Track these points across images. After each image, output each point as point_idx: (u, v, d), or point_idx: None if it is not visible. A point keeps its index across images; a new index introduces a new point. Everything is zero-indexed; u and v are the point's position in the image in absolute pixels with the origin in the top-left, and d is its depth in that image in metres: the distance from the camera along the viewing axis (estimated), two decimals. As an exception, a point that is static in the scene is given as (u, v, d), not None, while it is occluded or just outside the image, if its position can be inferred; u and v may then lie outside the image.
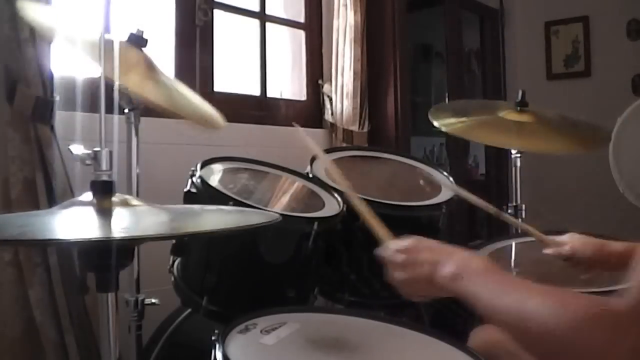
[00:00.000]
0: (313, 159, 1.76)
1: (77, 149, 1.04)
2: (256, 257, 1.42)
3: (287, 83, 2.73)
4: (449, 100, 3.60)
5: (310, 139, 1.28)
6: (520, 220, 2.06)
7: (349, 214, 1.52)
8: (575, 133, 2.00)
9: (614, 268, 1.28)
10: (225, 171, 1.57)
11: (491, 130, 1.96)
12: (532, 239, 1.81)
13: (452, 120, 1.95)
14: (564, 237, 1.38)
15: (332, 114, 2.64)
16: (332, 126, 2.63)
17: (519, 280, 0.88)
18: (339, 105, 2.62)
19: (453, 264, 0.88)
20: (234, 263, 1.43)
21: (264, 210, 1.38)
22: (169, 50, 2.20)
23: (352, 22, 2.60)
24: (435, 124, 1.91)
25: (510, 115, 1.97)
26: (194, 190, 1.41)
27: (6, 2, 1.52)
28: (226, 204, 1.32)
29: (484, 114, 2.01)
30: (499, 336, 1.17)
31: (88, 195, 0.92)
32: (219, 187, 1.42)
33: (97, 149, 0.99)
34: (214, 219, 1.05)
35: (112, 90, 1.37)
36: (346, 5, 2.60)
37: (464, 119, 1.96)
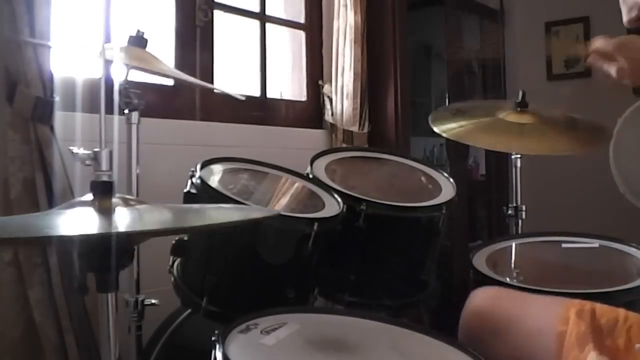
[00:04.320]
0: (313, 160, 1.76)
1: (78, 149, 1.05)
2: (256, 258, 1.42)
3: (287, 84, 2.73)
4: (449, 101, 3.60)
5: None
6: (520, 221, 2.06)
7: (349, 214, 1.52)
8: (576, 132, 2.00)
9: None
10: (225, 172, 1.57)
11: (492, 134, 1.96)
12: (532, 239, 1.81)
13: (452, 125, 1.95)
14: None
15: (332, 114, 2.64)
16: (332, 127, 2.63)
17: None
18: (339, 106, 2.62)
19: None
20: (234, 263, 1.43)
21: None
22: (169, 50, 2.20)
23: (352, 23, 2.60)
24: (436, 129, 1.91)
25: (510, 116, 1.97)
26: (193, 191, 1.41)
27: (6, 2, 1.52)
28: (226, 204, 1.32)
29: (484, 116, 2.00)
30: (497, 297, 1.17)
31: (88, 197, 0.92)
32: (219, 188, 1.41)
33: (97, 149, 0.99)
34: (215, 214, 1.05)
35: (112, 90, 1.37)
36: (346, 6, 2.60)
37: (463, 122, 1.96)
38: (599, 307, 1.10)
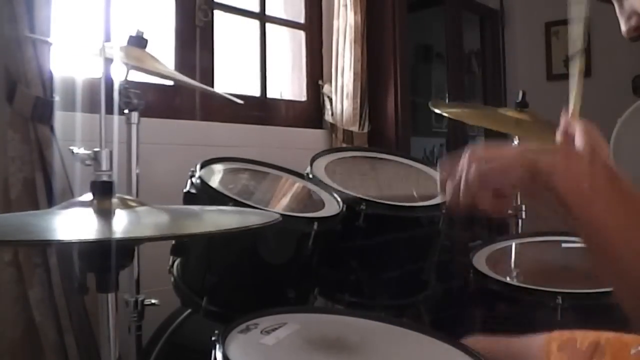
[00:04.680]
0: (313, 160, 1.76)
1: (78, 149, 1.04)
2: (256, 258, 1.42)
3: (287, 84, 2.73)
4: (448, 100, 3.60)
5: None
6: (520, 221, 2.06)
7: (349, 214, 1.52)
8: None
9: None
10: (225, 172, 1.57)
11: (490, 120, 1.96)
12: (532, 239, 1.81)
13: (453, 109, 1.94)
14: None
15: (332, 114, 2.64)
16: (332, 127, 2.63)
17: None
18: (339, 106, 2.62)
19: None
20: (234, 263, 1.43)
21: (264, 210, 1.38)
22: (169, 50, 2.20)
23: (352, 23, 2.60)
24: (437, 111, 1.88)
25: (510, 112, 1.98)
26: (193, 191, 1.41)
27: (6, 2, 1.52)
28: (226, 204, 1.32)
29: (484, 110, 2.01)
30: (487, 346, 1.16)
31: (88, 196, 0.92)
32: (219, 188, 1.41)
33: (97, 149, 0.99)
34: (213, 219, 1.05)
35: (112, 90, 1.37)
36: (346, 6, 2.60)
37: (464, 109, 1.96)
38: (580, 334, 1.10)
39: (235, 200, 1.36)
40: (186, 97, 2.20)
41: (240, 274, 1.43)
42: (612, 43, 3.36)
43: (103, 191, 0.91)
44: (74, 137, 1.58)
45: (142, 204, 0.96)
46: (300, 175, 1.71)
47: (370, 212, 1.54)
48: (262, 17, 2.56)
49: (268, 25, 2.58)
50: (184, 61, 2.22)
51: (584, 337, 1.08)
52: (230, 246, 1.40)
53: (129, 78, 1.43)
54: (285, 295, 1.42)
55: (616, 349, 1.03)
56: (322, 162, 1.78)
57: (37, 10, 1.57)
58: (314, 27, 2.75)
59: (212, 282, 1.39)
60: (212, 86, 2.32)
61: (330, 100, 2.65)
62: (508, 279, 1.51)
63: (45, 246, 1.55)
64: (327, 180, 1.67)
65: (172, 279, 1.50)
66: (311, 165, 1.73)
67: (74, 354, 1.62)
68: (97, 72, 1.78)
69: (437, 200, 1.68)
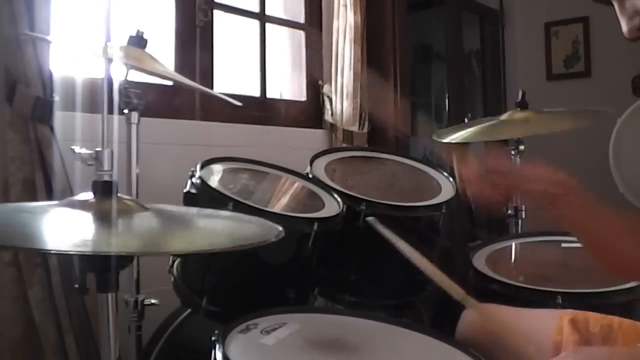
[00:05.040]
0: (313, 159, 1.76)
1: (79, 149, 1.04)
2: (256, 258, 1.42)
3: (287, 84, 2.73)
4: (448, 101, 3.61)
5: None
6: (520, 221, 2.07)
7: (349, 214, 1.52)
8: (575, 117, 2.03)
9: None
10: (225, 171, 1.57)
11: (495, 131, 1.99)
12: (532, 239, 1.81)
13: (458, 134, 1.98)
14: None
15: (332, 114, 2.64)
16: (332, 127, 2.62)
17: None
18: (338, 106, 2.62)
19: None
20: (234, 263, 1.43)
21: (265, 210, 1.38)
22: (169, 50, 2.20)
23: (352, 23, 2.60)
24: (444, 141, 1.95)
25: (511, 115, 1.99)
26: (193, 190, 1.41)
27: (6, 2, 1.52)
28: (226, 204, 1.32)
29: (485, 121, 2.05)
30: (490, 313, 1.16)
31: (86, 195, 0.92)
32: (219, 188, 1.41)
33: (99, 149, 0.99)
34: (209, 232, 1.02)
35: (112, 90, 1.37)
36: (346, 6, 2.60)
37: (468, 129, 1.99)
38: (592, 315, 1.10)
39: (235, 200, 1.36)
40: (186, 97, 2.20)
41: (240, 274, 1.43)
42: (612, 43, 3.37)
43: (105, 191, 0.91)
44: (73, 137, 1.58)
45: (141, 204, 0.96)
46: (300, 175, 1.70)
47: (370, 212, 1.54)
48: (262, 17, 2.55)
49: (268, 25, 2.58)
50: (183, 61, 2.22)
51: (597, 320, 1.08)
52: (230, 246, 1.40)
53: (129, 78, 1.43)
54: (285, 295, 1.42)
55: (629, 335, 1.03)
56: (321, 162, 1.78)
57: (37, 9, 1.57)
58: (314, 27, 2.75)
59: (212, 282, 1.39)
60: (212, 86, 2.32)
61: (330, 100, 2.65)
62: (508, 279, 1.51)
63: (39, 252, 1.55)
64: (327, 180, 1.67)
65: (172, 279, 1.49)
66: (311, 165, 1.73)
67: (74, 354, 1.62)
68: (97, 72, 1.78)
69: (437, 200, 1.68)
